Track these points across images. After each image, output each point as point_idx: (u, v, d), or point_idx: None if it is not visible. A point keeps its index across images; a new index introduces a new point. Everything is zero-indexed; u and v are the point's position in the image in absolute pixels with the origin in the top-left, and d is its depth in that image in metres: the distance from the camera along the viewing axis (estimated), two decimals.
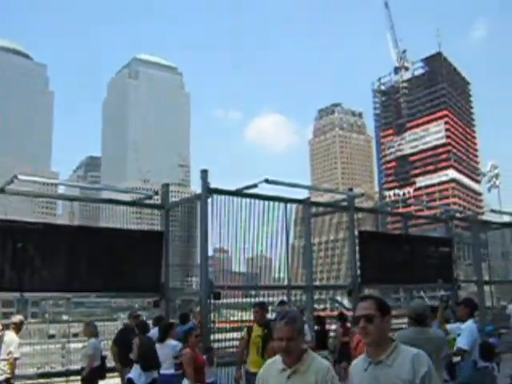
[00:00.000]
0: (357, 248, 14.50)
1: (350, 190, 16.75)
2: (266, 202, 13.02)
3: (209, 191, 11.82)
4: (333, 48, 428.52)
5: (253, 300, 14.21)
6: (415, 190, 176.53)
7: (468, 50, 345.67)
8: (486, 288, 19.31)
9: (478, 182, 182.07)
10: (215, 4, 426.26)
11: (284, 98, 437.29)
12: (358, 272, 14.34)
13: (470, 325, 7.90)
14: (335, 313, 17.73)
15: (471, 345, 7.48)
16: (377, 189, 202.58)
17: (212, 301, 11.46)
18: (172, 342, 9.16)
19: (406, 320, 12.07)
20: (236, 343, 11.56)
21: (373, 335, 3.51)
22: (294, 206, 13.94)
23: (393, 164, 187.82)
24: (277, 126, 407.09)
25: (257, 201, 12.81)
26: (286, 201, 13.50)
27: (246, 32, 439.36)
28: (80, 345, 12.79)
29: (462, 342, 7.73)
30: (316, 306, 18.43)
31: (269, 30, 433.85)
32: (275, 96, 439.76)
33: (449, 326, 8.94)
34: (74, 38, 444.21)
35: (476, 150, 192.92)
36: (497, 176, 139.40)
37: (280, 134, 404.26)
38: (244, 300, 14.94)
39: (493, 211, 25.87)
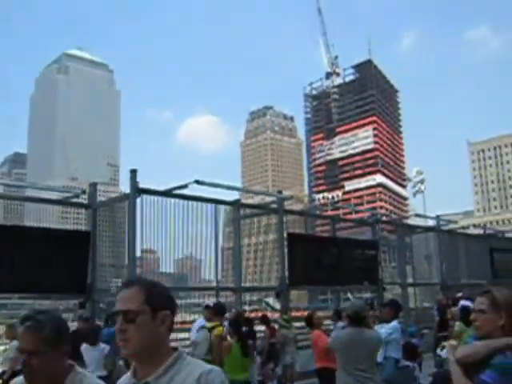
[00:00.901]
0: (285, 250, 14.61)
1: (280, 192, 16.87)
2: (196, 203, 12.96)
3: (137, 191, 11.66)
4: (267, 51, 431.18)
5: (182, 302, 14.12)
6: (344, 193, 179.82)
7: (398, 59, 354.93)
8: (410, 290, 19.82)
9: (404, 187, 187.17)
10: (147, 1, 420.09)
11: (218, 98, 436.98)
12: (287, 274, 14.44)
13: (394, 326, 8.08)
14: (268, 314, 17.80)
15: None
16: (306, 192, 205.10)
17: None
18: (101, 345, 9.00)
19: (330, 321, 12.27)
20: None
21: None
22: (224, 207, 13.94)
23: (322, 168, 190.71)
24: (210, 127, 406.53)
25: (186, 202, 12.74)
26: (216, 202, 13.48)
27: (179, 31, 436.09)
28: (1, 347, 12.37)
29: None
30: (247, 307, 18.49)
31: (202, 28, 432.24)
32: (209, 97, 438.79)
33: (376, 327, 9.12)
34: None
35: (403, 156, 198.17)
36: (422, 182, 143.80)
37: (213, 134, 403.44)
38: None
39: (417, 215, 26.71)
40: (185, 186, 12.19)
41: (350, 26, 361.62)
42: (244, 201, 16.91)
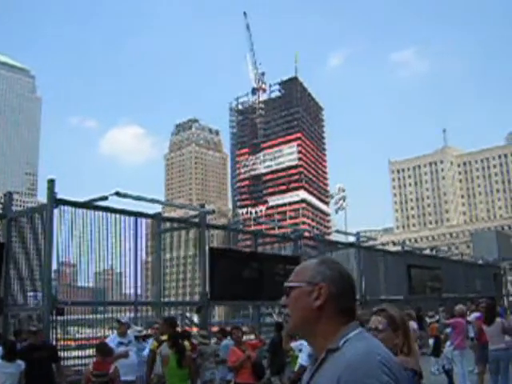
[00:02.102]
0: (207, 264, 14.51)
1: (202, 206, 16.77)
2: (117, 216, 12.69)
3: (56, 201, 11.29)
4: (196, 64, 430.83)
5: (100, 316, 13.76)
6: (267, 208, 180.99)
7: (325, 78, 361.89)
8: None
9: (326, 203, 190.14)
10: (74, 8, 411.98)
11: (144, 110, 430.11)
12: (208, 289, 14.33)
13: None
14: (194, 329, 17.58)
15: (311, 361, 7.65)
16: (230, 206, 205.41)
17: (55, 317, 10.93)
18: (18, 361, 8.60)
19: (252, 336, 12.20)
20: (84, 361, 11.14)
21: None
22: (146, 220, 13.71)
23: (247, 182, 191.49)
24: (135, 138, 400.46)
25: (107, 214, 12.45)
26: (137, 215, 13.24)
27: (108, 39, 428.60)
28: None
29: (303, 359, 7.92)
30: None
31: (131, 38, 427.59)
32: (136, 107, 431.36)
33: (293, 344, 9.16)
34: None
35: (326, 173, 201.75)
36: (344, 198, 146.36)
37: (138, 146, 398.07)
38: (92, 316, 14.43)
39: (338, 232, 27.08)
40: (105, 198, 11.92)
41: (278, 44, 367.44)
42: (167, 214, 16.69)
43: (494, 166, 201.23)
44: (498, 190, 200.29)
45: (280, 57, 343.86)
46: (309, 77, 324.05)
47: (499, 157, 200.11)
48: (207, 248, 14.80)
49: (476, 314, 15.07)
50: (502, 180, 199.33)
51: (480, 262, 36.71)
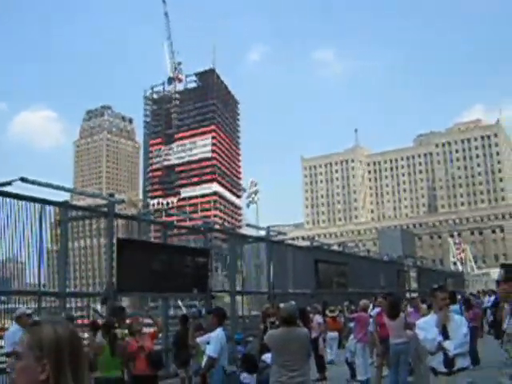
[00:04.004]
0: (114, 255, 14.21)
1: (111, 195, 16.38)
2: (21, 202, 12.18)
3: None
4: (112, 50, 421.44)
5: (3, 306, 13.22)
6: (179, 200, 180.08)
7: (244, 72, 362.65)
8: (239, 298, 20.14)
9: (239, 196, 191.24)
10: None
11: (57, 93, 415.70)
12: (114, 279, 14.03)
13: (218, 333, 8.10)
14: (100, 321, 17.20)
15: (218, 352, 7.66)
16: (141, 197, 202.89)
17: None
18: None
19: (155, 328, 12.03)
20: None
21: None
22: (51, 208, 13.23)
23: (159, 173, 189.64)
24: (46, 123, 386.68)
25: (10, 200, 11.93)
26: (43, 202, 12.75)
27: (27, 20, 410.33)
28: None
29: (210, 350, 7.93)
30: (74, 314, 17.71)
31: (48, 21, 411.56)
32: (49, 91, 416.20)
33: (198, 339, 9.13)
34: None
35: (239, 167, 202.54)
36: (256, 193, 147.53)
37: (48, 131, 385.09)
38: None
39: (249, 225, 27.24)
40: (8, 183, 11.42)
41: (197, 34, 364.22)
42: (75, 202, 16.21)
43: (402, 167, 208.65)
44: (404, 190, 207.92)
45: (198, 48, 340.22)
46: (227, 70, 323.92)
47: (407, 158, 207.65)
48: (115, 238, 14.48)
49: (377, 310, 15.54)
50: (409, 180, 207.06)
51: (385, 258, 37.91)
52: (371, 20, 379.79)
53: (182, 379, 13.44)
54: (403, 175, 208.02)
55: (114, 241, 14.33)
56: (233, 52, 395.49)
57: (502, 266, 7.73)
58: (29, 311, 9.78)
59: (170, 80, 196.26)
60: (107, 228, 14.52)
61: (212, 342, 7.91)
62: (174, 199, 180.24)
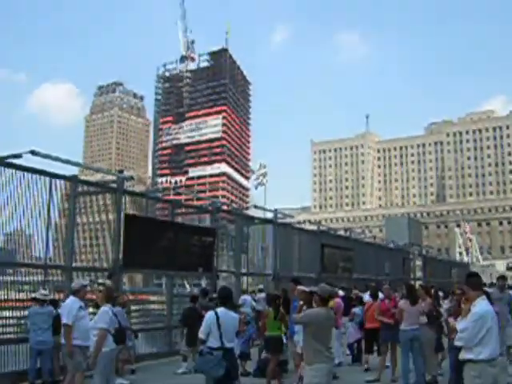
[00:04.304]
0: (122, 231, 14.26)
1: (121, 171, 16.41)
2: (30, 175, 12.22)
3: None
4: (122, 26, 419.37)
5: (9, 278, 13.31)
6: (187, 179, 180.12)
7: (262, 53, 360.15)
8: (244, 279, 20.20)
9: (247, 178, 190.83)
10: None
11: (78, 67, 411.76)
12: (121, 255, 14.10)
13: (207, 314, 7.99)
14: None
15: (205, 332, 7.58)
16: (150, 174, 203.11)
17: None
18: None
19: (161, 306, 12.07)
20: None
21: None
22: (61, 182, 13.27)
23: (168, 151, 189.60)
24: (66, 96, 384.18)
25: (20, 172, 11.96)
26: (52, 176, 12.79)
27: None
28: None
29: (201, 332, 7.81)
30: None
31: None
32: (69, 64, 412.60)
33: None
34: None
35: (249, 148, 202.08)
36: (264, 175, 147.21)
37: (68, 105, 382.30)
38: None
39: (256, 207, 27.20)
40: (19, 156, 11.44)
41: (212, 14, 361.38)
42: (84, 177, 16.26)
43: (412, 155, 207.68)
44: (413, 178, 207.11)
45: (213, 27, 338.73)
46: (244, 51, 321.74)
47: (417, 146, 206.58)
48: (123, 214, 14.52)
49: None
50: (418, 169, 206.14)
51: (391, 245, 37.86)
52: (395, 7, 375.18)
53: (184, 356, 13.58)
54: (412, 163, 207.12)
55: (122, 217, 14.39)
56: (252, 32, 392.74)
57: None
58: (85, 283, 9.78)
59: (183, 58, 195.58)
60: (115, 204, 14.57)
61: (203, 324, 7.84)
62: (183, 178, 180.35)
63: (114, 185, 14.84)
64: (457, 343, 6.74)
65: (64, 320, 8.81)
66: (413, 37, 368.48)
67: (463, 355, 6.64)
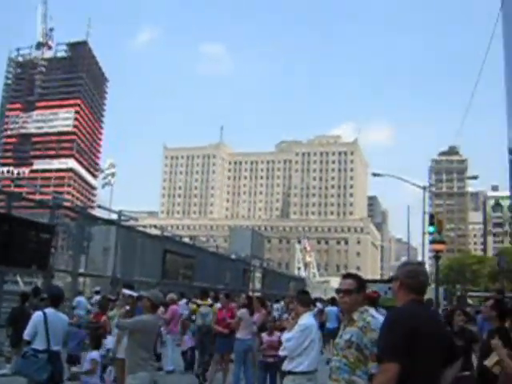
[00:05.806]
0: None
1: None
2: None
3: None
4: None
5: None
6: (31, 171, 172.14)
7: (124, 53, 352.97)
8: (81, 279, 19.49)
9: (95, 176, 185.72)
10: None
11: None
12: None
13: (35, 316, 7.65)
14: None
15: (31, 335, 7.24)
16: None
17: None
18: None
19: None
20: None
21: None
22: None
23: (13, 140, 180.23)
24: None
25: None
26: None
27: None
28: None
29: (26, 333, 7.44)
30: None
31: None
32: None
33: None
34: None
35: (100, 146, 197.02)
36: (113, 175, 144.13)
37: None
38: None
39: (100, 207, 26.49)
40: None
41: (77, 4, 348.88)
42: None
43: (262, 170, 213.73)
44: (261, 193, 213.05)
45: (75, 17, 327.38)
46: (105, 47, 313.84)
47: (267, 162, 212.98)
48: None
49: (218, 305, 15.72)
50: (267, 184, 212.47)
51: (233, 256, 38.39)
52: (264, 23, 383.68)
53: (7, 357, 12.87)
54: (261, 178, 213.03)
55: None
56: (116, 30, 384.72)
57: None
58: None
59: (39, 45, 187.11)
60: None
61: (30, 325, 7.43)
62: (26, 170, 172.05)
63: None
64: (281, 353, 7.01)
65: None
66: (279, 56, 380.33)
67: (285, 366, 6.85)
